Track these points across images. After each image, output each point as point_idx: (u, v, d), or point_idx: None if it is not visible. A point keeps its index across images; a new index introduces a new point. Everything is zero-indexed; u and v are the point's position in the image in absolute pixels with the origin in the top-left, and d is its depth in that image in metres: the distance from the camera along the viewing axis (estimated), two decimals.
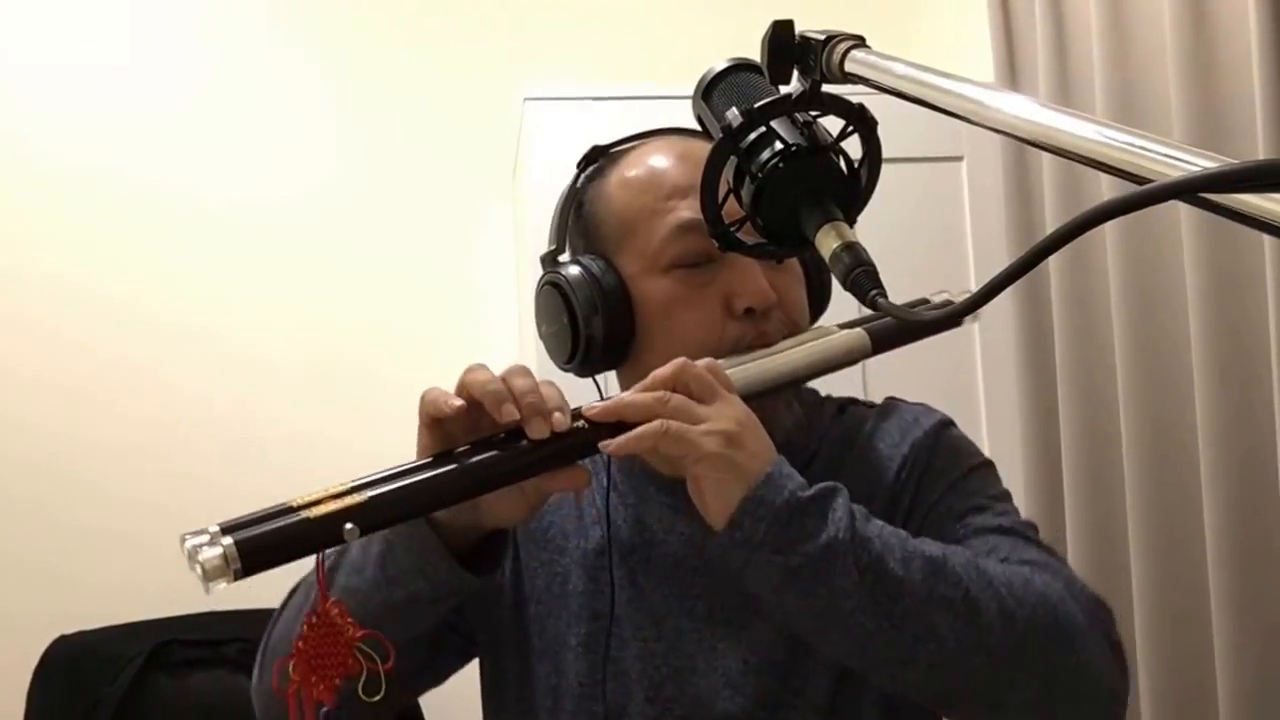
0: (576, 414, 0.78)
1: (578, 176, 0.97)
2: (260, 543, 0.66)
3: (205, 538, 0.67)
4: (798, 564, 0.73)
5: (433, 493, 0.73)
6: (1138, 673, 1.67)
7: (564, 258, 0.94)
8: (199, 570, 0.65)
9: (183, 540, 0.67)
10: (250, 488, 2.13)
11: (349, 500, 0.69)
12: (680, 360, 0.78)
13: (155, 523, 2.12)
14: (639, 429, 0.75)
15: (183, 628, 1.80)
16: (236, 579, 0.65)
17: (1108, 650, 0.80)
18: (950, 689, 0.76)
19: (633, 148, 0.96)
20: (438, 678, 0.96)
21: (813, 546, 0.73)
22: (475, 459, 0.74)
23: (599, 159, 0.97)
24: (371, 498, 0.70)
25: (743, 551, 0.74)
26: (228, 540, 0.66)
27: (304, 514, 0.68)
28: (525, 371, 0.79)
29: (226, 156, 2.34)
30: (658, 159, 0.93)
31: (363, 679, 0.67)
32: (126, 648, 1.80)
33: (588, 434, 0.77)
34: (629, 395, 0.77)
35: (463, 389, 0.78)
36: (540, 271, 0.95)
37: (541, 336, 0.96)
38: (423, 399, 0.79)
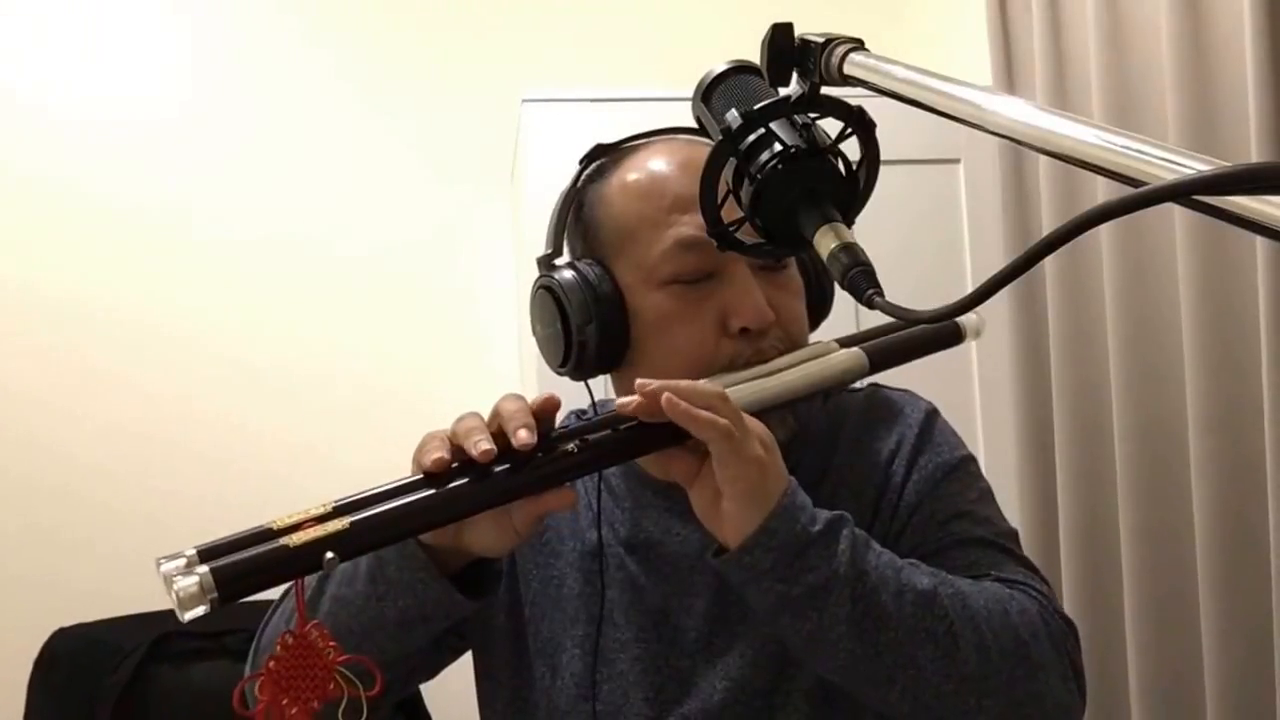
0: (573, 435, 0.77)
1: (578, 176, 0.95)
2: (237, 570, 0.64)
3: (181, 563, 0.65)
4: (798, 593, 0.75)
5: (416, 518, 0.72)
6: (1126, 663, 1.69)
7: (560, 261, 0.92)
8: (174, 598, 0.63)
9: (158, 564, 0.65)
10: (245, 484, 2.18)
11: (330, 526, 0.67)
12: (710, 390, 0.78)
13: (154, 518, 2.16)
14: (709, 415, 0.74)
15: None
16: (214, 608, 0.63)
17: (1070, 678, 0.84)
18: (920, 709, 0.79)
19: (635, 149, 0.94)
20: (431, 674, 0.96)
21: (815, 578, 0.75)
22: (458, 483, 0.73)
23: (601, 158, 0.95)
24: (353, 524, 0.68)
25: (747, 575, 0.76)
26: (204, 569, 0.63)
27: (283, 540, 0.66)
28: (517, 398, 0.78)
29: (219, 160, 2.33)
30: (660, 165, 0.91)
31: (343, 704, 0.65)
32: (127, 639, 1.80)
33: (577, 457, 0.76)
34: (686, 388, 0.75)
35: (453, 436, 0.76)
36: (538, 273, 0.94)
37: (536, 338, 0.95)
38: (416, 452, 0.78)
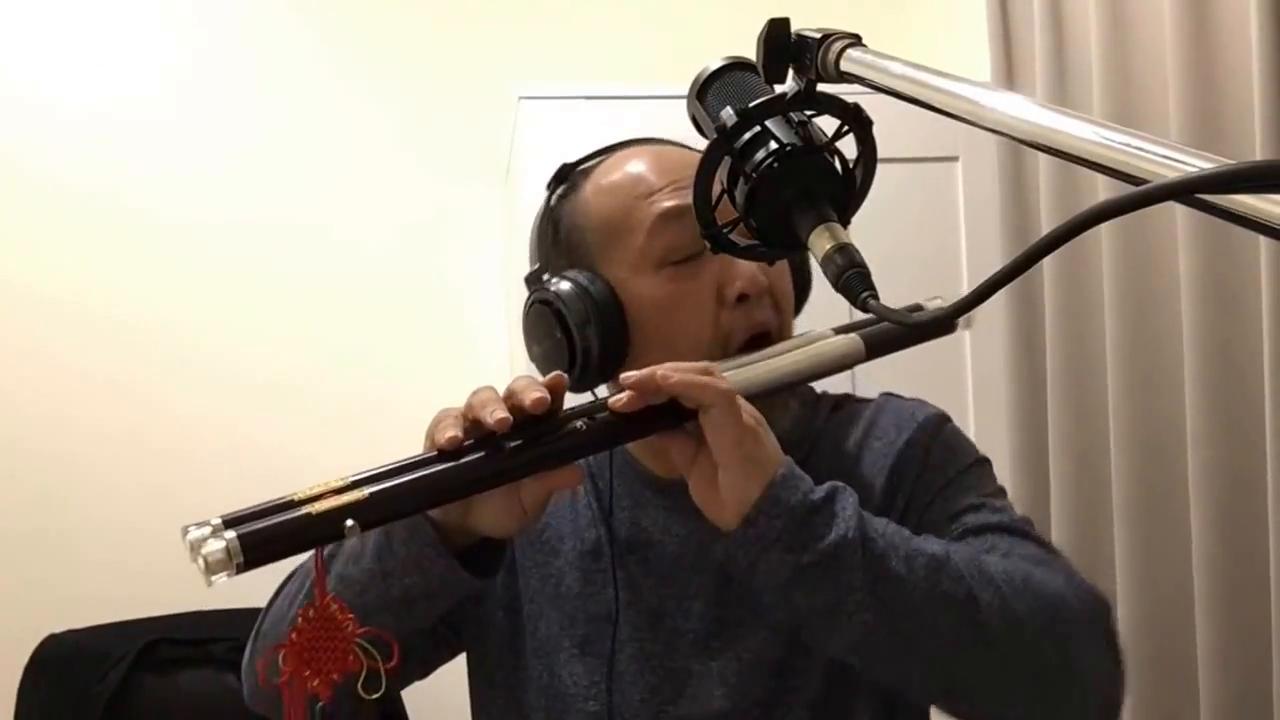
0: (581, 414, 0.77)
1: (550, 196, 0.96)
2: (262, 537, 0.67)
3: (207, 530, 0.67)
4: (808, 562, 0.74)
5: (434, 489, 0.74)
6: None
7: (548, 275, 0.93)
8: (201, 563, 0.65)
9: (184, 531, 0.67)
10: (235, 486, 2.06)
11: (350, 496, 0.70)
12: (701, 365, 0.78)
13: (143, 525, 2.11)
14: (706, 379, 0.75)
15: (171, 627, 1.82)
16: (239, 572, 0.65)
17: (1104, 646, 0.82)
18: (948, 684, 0.77)
19: (604, 159, 0.95)
20: (425, 671, 0.96)
21: (824, 545, 0.74)
22: (474, 456, 0.75)
23: (569, 176, 0.96)
24: (373, 494, 0.70)
25: (754, 549, 0.75)
26: (230, 534, 0.66)
27: (306, 509, 0.68)
28: (528, 378, 0.79)
29: (211, 157, 2.31)
30: (633, 164, 0.92)
31: (363, 676, 0.67)
32: (116, 647, 1.81)
33: (586, 434, 0.77)
34: (671, 366, 0.76)
35: (468, 410, 0.77)
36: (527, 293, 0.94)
37: (533, 358, 0.94)
38: (430, 427, 0.79)
